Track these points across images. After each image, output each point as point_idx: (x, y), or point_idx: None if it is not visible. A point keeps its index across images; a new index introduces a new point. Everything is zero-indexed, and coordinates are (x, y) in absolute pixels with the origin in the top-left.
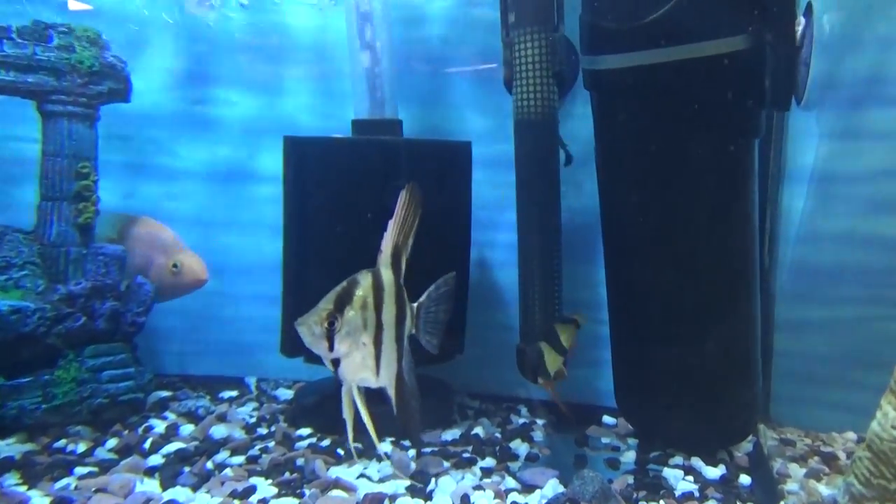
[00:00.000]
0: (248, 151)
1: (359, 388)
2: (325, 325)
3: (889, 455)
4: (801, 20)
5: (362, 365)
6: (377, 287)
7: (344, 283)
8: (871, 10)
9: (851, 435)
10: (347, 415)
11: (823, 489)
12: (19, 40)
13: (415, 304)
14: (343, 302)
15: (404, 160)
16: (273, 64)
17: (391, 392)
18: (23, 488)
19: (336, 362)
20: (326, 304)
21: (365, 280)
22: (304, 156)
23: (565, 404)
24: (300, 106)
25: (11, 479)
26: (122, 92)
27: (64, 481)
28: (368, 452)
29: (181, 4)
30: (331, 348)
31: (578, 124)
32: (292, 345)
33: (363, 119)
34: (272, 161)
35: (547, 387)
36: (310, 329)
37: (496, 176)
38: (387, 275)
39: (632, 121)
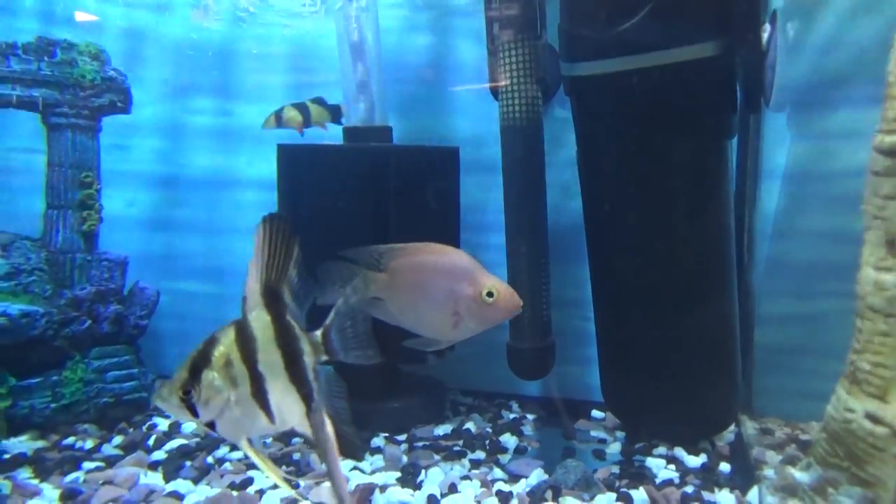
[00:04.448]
0: (244, 159)
1: (248, 440)
2: (180, 394)
3: (841, 435)
4: (767, 27)
5: (243, 421)
6: (244, 339)
7: (200, 345)
8: (835, 16)
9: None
10: (259, 462)
11: (797, 473)
12: (25, 56)
13: (317, 332)
14: (198, 366)
15: (394, 166)
16: (266, 73)
17: (306, 431)
18: (35, 481)
19: (211, 424)
20: (181, 371)
21: (226, 336)
22: (296, 163)
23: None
24: None
25: (25, 473)
26: (123, 104)
27: (73, 475)
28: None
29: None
30: (196, 415)
31: (563, 128)
32: None
33: (354, 126)
34: (266, 168)
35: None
36: (166, 402)
37: (485, 179)
38: (260, 319)
39: (610, 125)
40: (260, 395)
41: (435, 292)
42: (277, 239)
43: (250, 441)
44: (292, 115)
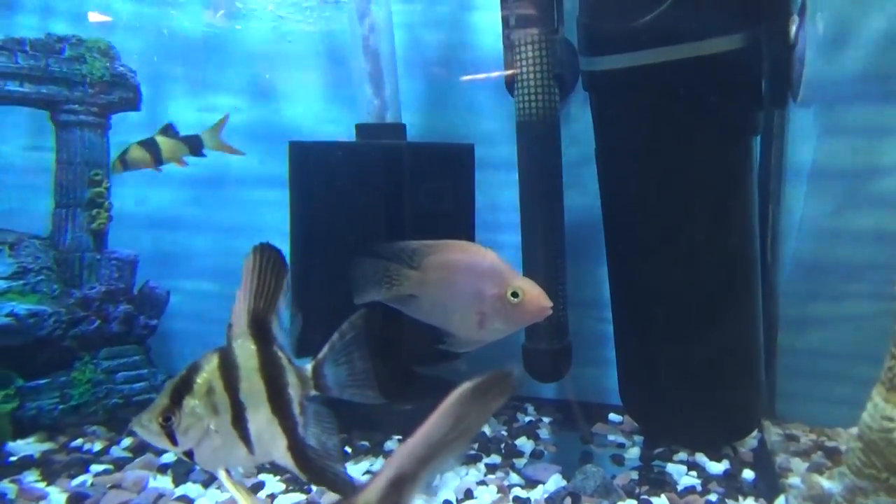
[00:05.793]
0: (256, 157)
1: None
2: (160, 421)
3: (879, 445)
4: (796, 18)
5: (221, 451)
6: (227, 367)
7: (183, 371)
8: (864, 6)
9: (857, 430)
10: (235, 493)
11: (825, 482)
12: (33, 52)
13: (308, 366)
14: (180, 392)
15: (407, 163)
16: (278, 70)
17: (288, 464)
18: (42, 485)
19: (189, 453)
20: (162, 397)
21: (209, 363)
22: (309, 160)
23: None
24: (305, 111)
25: (31, 477)
26: (133, 101)
27: (80, 478)
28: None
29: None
30: (175, 443)
31: (580, 125)
32: (300, 346)
33: (367, 123)
34: (278, 166)
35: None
36: (145, 428)
37: (500, 177)
38: (245, 348)
39: (630, 121)
40: (240, 424)
41: (462, 291)
42: (268, 269)
43: (228, 471)
44: (139, 155)
